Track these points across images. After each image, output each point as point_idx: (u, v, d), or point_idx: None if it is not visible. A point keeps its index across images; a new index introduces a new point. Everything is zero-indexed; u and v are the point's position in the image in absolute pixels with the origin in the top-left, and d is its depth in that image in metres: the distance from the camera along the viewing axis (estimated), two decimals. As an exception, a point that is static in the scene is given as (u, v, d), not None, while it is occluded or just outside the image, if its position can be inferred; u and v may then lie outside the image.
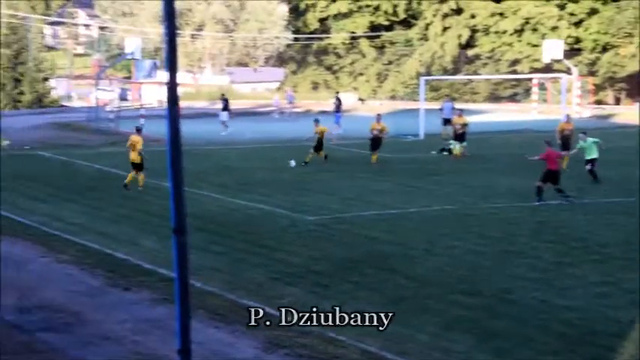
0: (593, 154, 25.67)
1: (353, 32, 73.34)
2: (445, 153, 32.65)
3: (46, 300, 13.68)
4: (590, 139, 26.00)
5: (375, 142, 30.45)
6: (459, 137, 32.19)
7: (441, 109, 39.79)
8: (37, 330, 12.25)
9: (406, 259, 16.46)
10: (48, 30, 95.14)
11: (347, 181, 26.50)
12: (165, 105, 6.42)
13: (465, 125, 32.38)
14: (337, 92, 48.74)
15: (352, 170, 28.67)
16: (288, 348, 11.53)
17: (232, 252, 17.00)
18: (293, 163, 29.29)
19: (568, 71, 49.21)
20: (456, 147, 32.11)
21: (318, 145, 30.23)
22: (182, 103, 6.66)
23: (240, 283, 14.66)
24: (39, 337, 11.99)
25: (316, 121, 31.02)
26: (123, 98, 53.17)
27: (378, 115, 32.38)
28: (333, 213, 21.11)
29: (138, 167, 24.29)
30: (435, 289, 14.41)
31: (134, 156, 24.34)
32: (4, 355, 11.25)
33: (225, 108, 42.19)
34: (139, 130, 25.18)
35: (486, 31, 67.12)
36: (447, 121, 37.32)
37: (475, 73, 65.89)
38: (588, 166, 25.66)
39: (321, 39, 74.54)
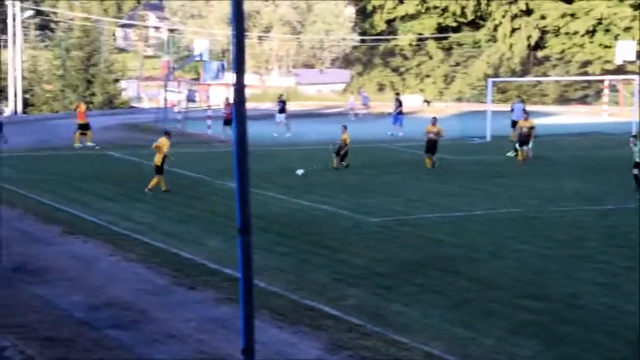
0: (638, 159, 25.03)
1: (420, 34, 72.93)
2: (514, 154, 32.22)
3: (114, 298, 13.96)
4: None
5: (431, 145, 29.77)
6: (524, 141, 31.53)
7: (511, 110, 39.14)
8: (105, 327, 12.50)
9: (471, 262, 16.33)
10: (119, 32, 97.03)
11: (411, 183, 26.38)
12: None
13: (531, 128, 31.78)
14: (397, 93, 47.97)
15: (416, 172, 28.51)
16: (352, 350, 11.55)
17: (296, 252, 17.09)
18: (301, 171, 27.71)
19: (641, 73, 48.08)
20: (523, 149, 31.63)
21: (342, 152, 29.23)
22: (248, 104, 6.72)
23: (303, 284, 14.73)
24: (108, 334, 12.24)
25: (344, 127, 30.40)
26: (191, 99, 53.78)
27: (434, 118, 31.63)
28: (397, 215, 21.05)
29: (157, 170, 24.20)
30: (501, 293, 14.26)
31: (158, 158, 24.23)
32: (75, 351, 11.51)
33: (283, 110, 42.02)
34: (167, 134, 25.24)
35: (557, 32, 65.99)
36: (516, 123, 36.66)
37: (544, 74, 64.84)
38: (635, 171, 25.04)
39: (387, 40, 74.32)
